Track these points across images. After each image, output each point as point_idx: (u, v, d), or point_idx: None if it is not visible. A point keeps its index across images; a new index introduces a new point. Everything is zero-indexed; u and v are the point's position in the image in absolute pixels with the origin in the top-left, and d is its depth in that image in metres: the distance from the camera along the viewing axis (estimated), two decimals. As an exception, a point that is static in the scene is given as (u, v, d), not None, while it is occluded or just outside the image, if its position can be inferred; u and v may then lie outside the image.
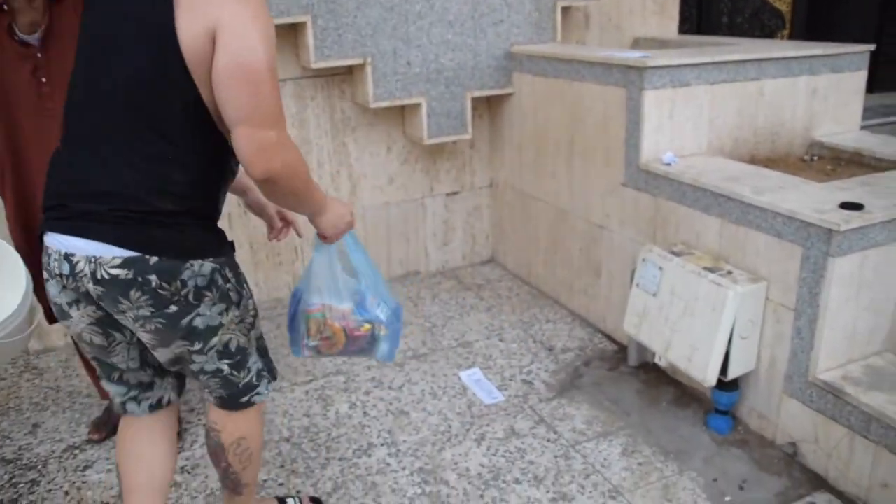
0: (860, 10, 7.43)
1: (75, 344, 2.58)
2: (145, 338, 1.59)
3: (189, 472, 2.42)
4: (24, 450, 2.58)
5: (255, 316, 1.74)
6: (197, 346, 1.61)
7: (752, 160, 2.98)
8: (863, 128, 3.31)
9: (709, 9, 6.60)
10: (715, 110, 2.89)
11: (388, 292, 1.95)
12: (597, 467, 2.39)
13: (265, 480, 2.36)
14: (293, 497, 2.20)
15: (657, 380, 2.88)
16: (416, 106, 3.49)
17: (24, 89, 2.16)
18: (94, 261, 1.46)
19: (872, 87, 4.25)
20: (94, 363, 1.75)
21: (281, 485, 2.36)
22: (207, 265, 1.54)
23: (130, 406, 1.80)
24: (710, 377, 2.41)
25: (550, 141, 3.41)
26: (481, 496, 2.28)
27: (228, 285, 1.60)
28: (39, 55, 2.15)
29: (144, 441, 1.84)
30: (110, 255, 1.46)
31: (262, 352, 1.81)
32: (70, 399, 2.89)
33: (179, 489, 2.34)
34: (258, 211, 2.00)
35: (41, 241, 1.56)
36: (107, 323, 1.60)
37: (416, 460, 2.45)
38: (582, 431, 2.58)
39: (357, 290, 1.89)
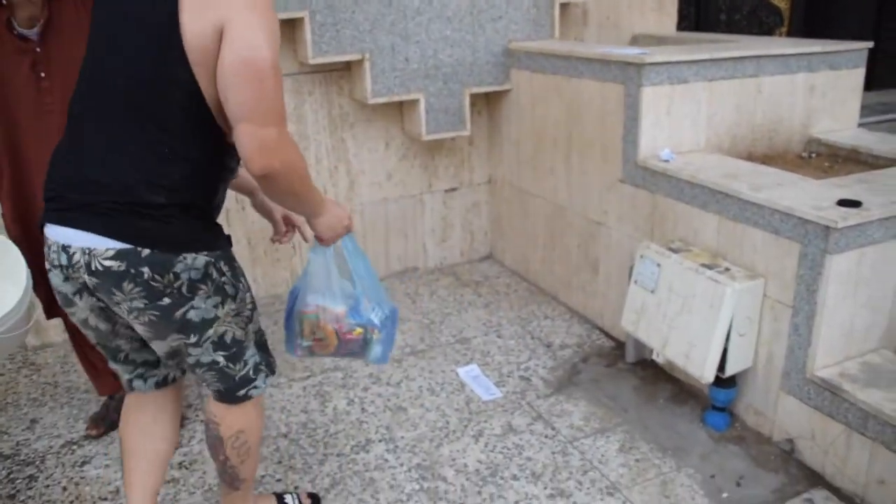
0: (858, 7, 7.42)
1: (73, 340, 2.58)
2: (140, 330, 1.61)
3: (187, 468, 2.42)
4: (21, 445, 2.57)
5: (253, 310, 1.75)
6: (192, 339, 1.62)
7: (750, 157, 2.98)
8: (860, 125, 3.31)
9: (707, 6, 6.59)
10: (713, 107, 2.89)
11: (384, 296, 1.96)
12: (594, 463, 2.40)
13: (263, 476, 2.37)
14: (291, 493, 2.20)
15: (655, 376, 2.88)
16: (415, 102, 3.49)
17: (23, 84, 2.17)
18: (89, 252, 1.49)
19: (870, 84, 4.26)
20: (99, 348, 1.78)
21: (279, 481, 2.36)
22: (201, 258, 1.55)
23: (137, 383, 1.85)
24: (707, 374, 2.41)
25: (548, 137, 3.41)
26: (479, 492, 2.28)
27: (224, 279, 1.62)
28: (38, 50, 2.15)
29: (149, 416, 1.89)
30: (104, 246, 1.48)
31: (261, 346, 1.82)
32: (68, 395, 2.89)
33: (177, 484, 2.34)
34: (265, 213, 2.02)
35: (42, 232, 1.59)
36: (110, 309, 1.62)
37: (413, 456, 2.46)
38: (579, 428, 2.59)
39: (352, 294, 1.91)
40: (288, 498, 2.17)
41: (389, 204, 3.84)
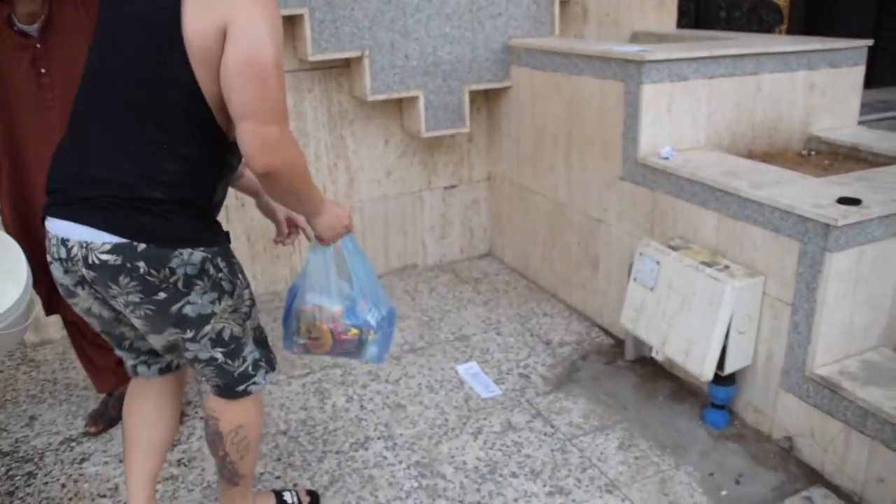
0: (858, 5, 7.42)
1: (71, 337, 2.58)
2: (137, 323, 1.63)
3: (185, 465, 2.42)
4: (20, 442, 2.57)
5: (252, 306, 1.76)
6: (189, 334, 1.63)
7: (750, 155, 2.98)
8: (860, 123, 3.31)
9: (707, 3, 6.59)
10: (713, 104, 2.89)
11: (383, 296, 1.98)
12: (593, 461, 2.40)
13: (262, 473, 2.37)
14: (290, 490, 2.20)
15: (654, 374, 2.88)
16: (414, 99, 3.48)
17: (24, 80, 2.17)
18: (86, 246, 1.51)
19: (870, 82, 4.26)
20: (104, 335, 1.81)
21: (278, 478, 2.36)
22: (197, 254, 1.57)
23: (141, 368, 1.89)
24: (707, 372, 2.41)
25: (548, 135, 3.41)
26: (478, 490, 2.28)
27: (220, 275, 1.63)
28: (38, 46, 2.16)
29: (150, 403, 1.92)
30: (100, 240, 1.50)
31: (260, 342, 1.83)
32: (67, 392, 2.89)
33: (176, 482, 2.34)
34: (268, 214, 2.04)
35: (43, 225, 1.61)
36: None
37: (412, 454, 2.46)
38: (579, 425, 2.59)
39: (349, 295, 1.92)
40: (287, 495, 2.17)
41: (389, 201, 3.84)
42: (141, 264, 1.50)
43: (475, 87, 3.57)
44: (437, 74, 3.46)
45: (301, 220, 1.99)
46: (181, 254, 1.54)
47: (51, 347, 3.25)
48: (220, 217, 1.71)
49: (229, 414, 1.80)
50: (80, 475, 2.39)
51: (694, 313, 2.44)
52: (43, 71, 2.17)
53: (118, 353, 1.86)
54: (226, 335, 1.68)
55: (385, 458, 2.44)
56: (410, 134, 3.71)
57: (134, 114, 1.50)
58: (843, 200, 2.21)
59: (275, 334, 3.18)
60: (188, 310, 1.59)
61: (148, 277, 1.52)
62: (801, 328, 2.28)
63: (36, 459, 2.48)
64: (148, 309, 1.56)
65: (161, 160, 1.51)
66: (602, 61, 2.93)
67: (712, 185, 2.50)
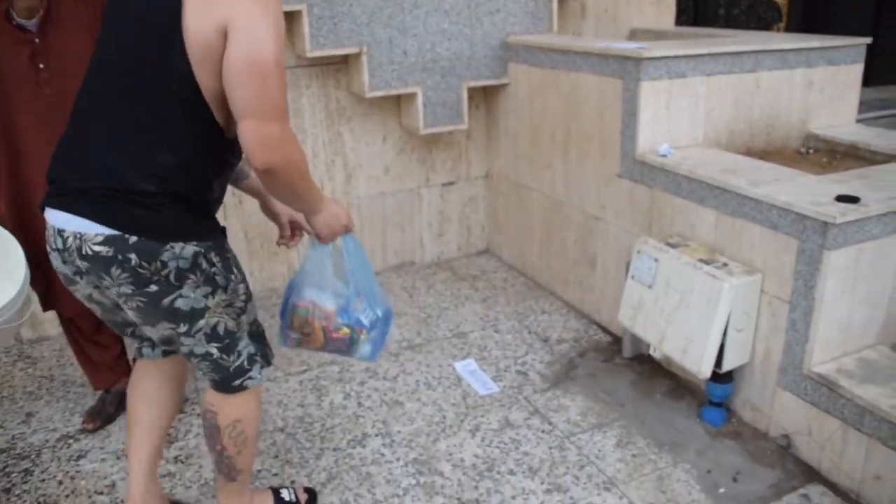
0: (857, 2, 7.43)
1: (68, 334, 2.58)
2: (131, 315, 1.66)
3: (183, 462, 2.42)
4: (17, 439, 2.57)
5: (247, 301, 1.77)
6: (182, 328, 1.65)
7: (748, 152, 2.98)
8: (859, 121, 3.31)
9: (705, 1, 6.59)
10: (711, 102, 2.88)
11: (380, 297, 1.99)
12: (591, 458, 2.40)
13: (259, 471, 2.36)
14: (287, 487, 2.20)
15: (652, 372, 2.88)
16: (412, 96, 3.48)
17: (22, 74, 2.17)
18: (80, 237, 1.54)
19: (868, 80, 4.26)
20: (107, 323, 1.84)
21: (275, 475, 2.36)
22: (190, 248, 1.58)
23: (146, 350, 1.95)
24: (704, 369, 2.41)
25: (546, 132, 3.40)
26: (475, 487, 2.28)
27: (214, 269, 1.64)
28: (37, 41, 2.16)
29: (154, 382, 1.98)
30: (93, 231, 1.52)
31: (256, 336, 1.84)
32: (64, 388, 2.88)
33: (173, 479, 2.34)
34: (271, 216, 2.05)
35: (42, 215, 1.64)
36: None
37: (410, 451, 2.46)
38: (576, 423, 2.59)
39: (343, 294, 1.93)
40: (284, 492, 2.16)
41: (386, 198, 3.84)
42: (132, 256, 1.52)
43: (473, 83, 3.56)
44: (436, 71, 3.45)
45: (301, 218, 2.00)
46: (173, 247, 1.55)
47: (48, 344, 3.24)
48: (218, 214, 1.71)
49: (227, 408, 1.81)
50: (77, 472, 2.39)
51: (692, 311, 2.44)
52: (41, 66, 2.17)
53: (124, 338, 1.91)
54: (220, 330, 1.69)
55: (382, 455, 2.44)
56: (408, 131, 3.70)
57: (134, 112, 1.52)
58: (842, 198, 2.21)
59: (272, 331, 3.17)
60: (180, 303, 1.60)
61: (139, 270, 1.54)
62: (798, 326, 2.28)
63: (33, 456, 2.47)
64: (140, 301, 1.58)
65: (157, 155, 1.53)
66: (600, 58, 2.93)
67: (710, 183, 2.50)
